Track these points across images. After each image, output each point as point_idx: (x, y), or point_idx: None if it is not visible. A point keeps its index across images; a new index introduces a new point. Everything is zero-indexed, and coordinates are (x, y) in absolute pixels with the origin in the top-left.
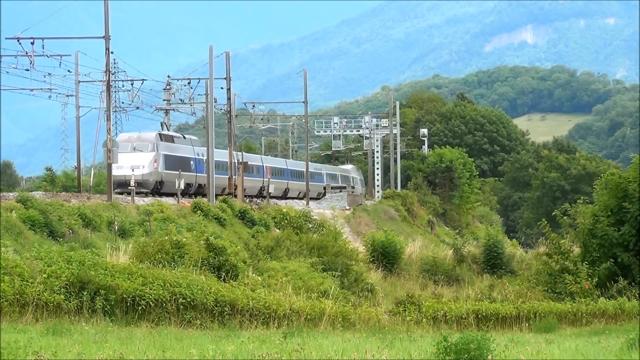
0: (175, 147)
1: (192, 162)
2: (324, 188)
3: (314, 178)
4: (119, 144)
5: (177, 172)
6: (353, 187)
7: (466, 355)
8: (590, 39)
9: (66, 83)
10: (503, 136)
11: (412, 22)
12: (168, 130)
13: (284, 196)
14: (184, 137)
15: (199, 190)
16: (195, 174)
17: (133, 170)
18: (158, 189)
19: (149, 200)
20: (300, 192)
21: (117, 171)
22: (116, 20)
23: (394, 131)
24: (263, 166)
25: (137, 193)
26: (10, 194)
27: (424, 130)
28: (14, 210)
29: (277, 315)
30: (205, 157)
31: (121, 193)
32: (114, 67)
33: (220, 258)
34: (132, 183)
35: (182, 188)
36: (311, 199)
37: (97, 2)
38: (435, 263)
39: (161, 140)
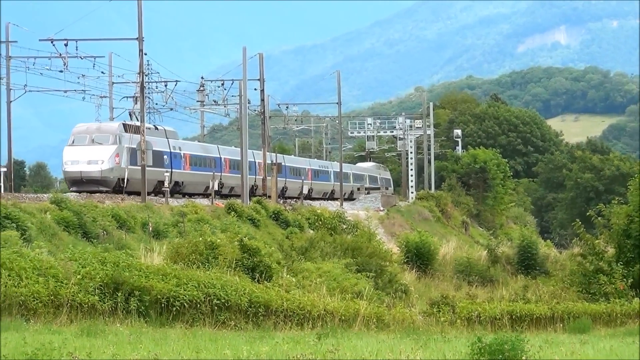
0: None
1: (165, 157)
2: (353, 189)
3: (318, 177)
4: (74, 136)
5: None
6: (380, 188)
7: (500, 356)
8: (623, 40)
9: (100, 84)
10: (537, 137)
11: (445, 22)
12: (138, 120)
13: (282, 195)
14: (157, 128)
15: (175, 189)
16: (170, 170)
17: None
18: (121, 187)
19: (182, 201)
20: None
21: (71, 167)
22: (149, 21)
23: (428, 132)
24: (255, 162)
25: (92, 192)
26: (45, 195)
27: (458, 131)
28: (48, 212)
29: (311, 316)
30: (182, 152)
31: (78, 192)
32: (148, 69)
33: (255, 259)
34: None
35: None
36: (312, 198)
37: (130, 3)
38: (470, 264)
39: (126, 131)
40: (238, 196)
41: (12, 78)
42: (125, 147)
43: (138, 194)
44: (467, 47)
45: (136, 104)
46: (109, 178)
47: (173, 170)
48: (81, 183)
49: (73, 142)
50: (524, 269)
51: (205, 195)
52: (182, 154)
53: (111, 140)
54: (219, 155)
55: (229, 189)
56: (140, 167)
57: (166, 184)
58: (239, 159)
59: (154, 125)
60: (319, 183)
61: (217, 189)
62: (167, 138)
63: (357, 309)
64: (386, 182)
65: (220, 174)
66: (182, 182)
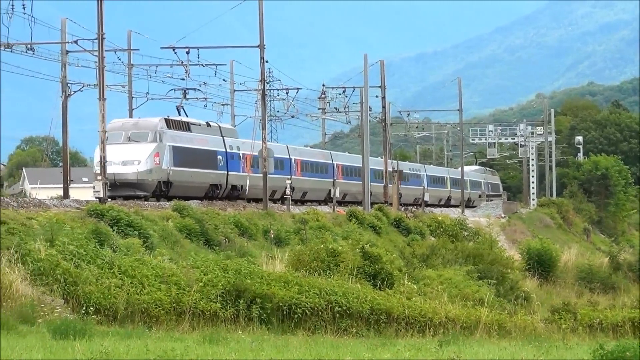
0: (192, 138)
1: (219, 157)
2: (451, 194)
3: (407, 181)
4: (108, 133)
5: (193, 170)
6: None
7: None
8: None
9: (221, 92)
10: None
11: (566, 29)
12: (187, 115)
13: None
14: (209, 125)
15: (232, 194)
16: (225, 172)
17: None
18: (163, 192)
19: (304, 208)
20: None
21: None
22: (269, 29)
23: (549, 139)
24: (333, 164)
25: (127, 198)
26: (167, 203)
27: (579, 138)
28: (170, 219)
29: (432, 323)
30: (241, 152)
31: (113, 198)
32: (269, 76)
33: (376, 266)
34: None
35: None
36: (402, 204)
37: (251, 10)
38: (591, 271)
39: (168, 127)
40: (311, 202)
41: (134, 86)
42: (168, 145)
43: (185, 198)
44: (588, 53)
45: (185, 98)
46: (147, 181)
47: (229, 172)
48: (115, 187)
49: (106, 140)
50: None
51: (273, 200)
52: (240, 154)
53: (150, 138)
54: (288, 157)
55: (301, 194)
56: (189, 169)
57: (287, 191)
58: (313, 160)
59: (207, 122)
60: (407, 187)
61: (288, 194)
62: (223, 136)
63: (478, 316)
64: (493, 187)
65: (289, 177)
66: (241, 187)
